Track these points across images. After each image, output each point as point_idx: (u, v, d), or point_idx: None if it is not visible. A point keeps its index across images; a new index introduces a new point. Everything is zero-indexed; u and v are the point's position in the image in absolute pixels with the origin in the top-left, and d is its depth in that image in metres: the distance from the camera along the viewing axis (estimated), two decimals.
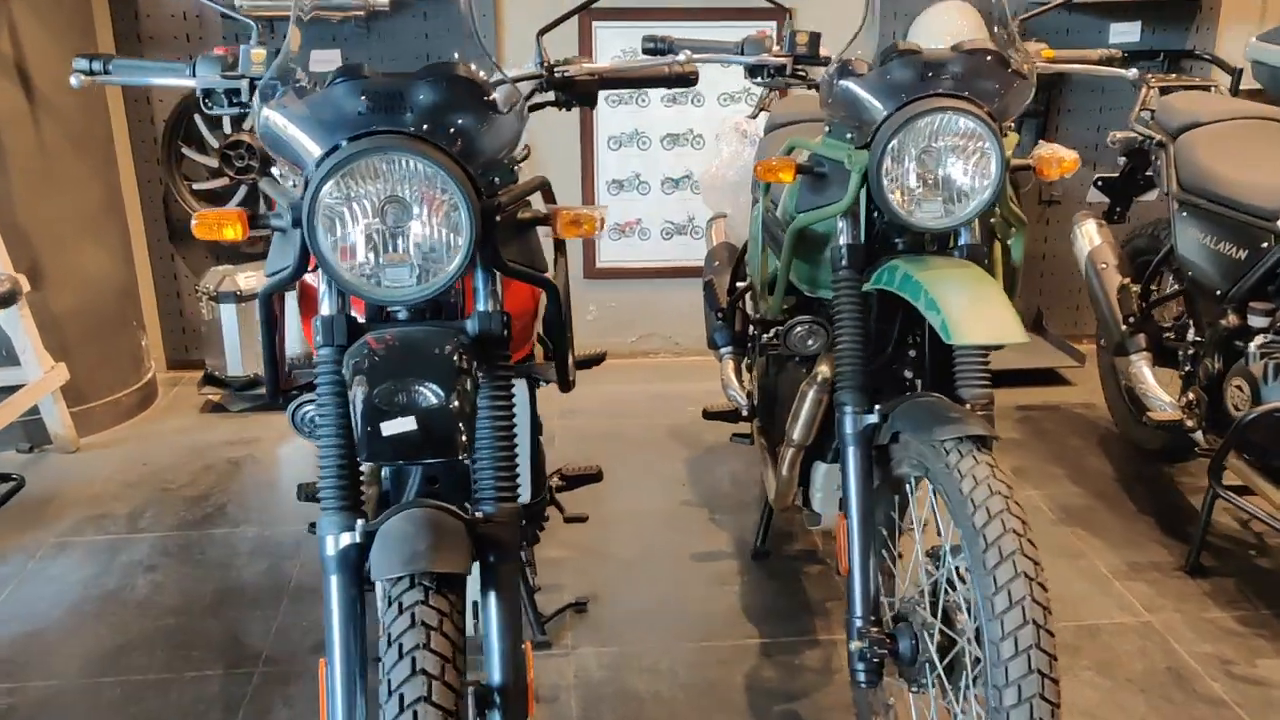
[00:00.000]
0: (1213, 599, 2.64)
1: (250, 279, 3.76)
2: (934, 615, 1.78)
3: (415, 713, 1.23)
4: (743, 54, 1.97)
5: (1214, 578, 2.73)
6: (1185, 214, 2.75)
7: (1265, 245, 2.50)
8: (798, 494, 2.36)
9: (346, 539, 1.48)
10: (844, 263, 1.90)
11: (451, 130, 1.36)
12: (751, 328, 2.76)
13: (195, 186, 3.96)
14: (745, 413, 2.71)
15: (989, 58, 1.75)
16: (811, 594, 2.71)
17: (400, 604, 1.29)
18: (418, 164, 1.33)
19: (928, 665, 1.78)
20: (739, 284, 2.94)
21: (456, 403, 1.31)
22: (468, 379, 1.37)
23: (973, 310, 1.66)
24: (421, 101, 1.35)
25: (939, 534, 1.81)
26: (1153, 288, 3.00)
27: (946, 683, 1.74)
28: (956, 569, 1.77)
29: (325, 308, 1.52)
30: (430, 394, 1.31)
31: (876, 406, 1.87)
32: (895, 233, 1.92)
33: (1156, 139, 2.85)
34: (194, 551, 2.93)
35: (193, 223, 1.47)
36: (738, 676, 2.39)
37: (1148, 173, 3.04)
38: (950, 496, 1.66)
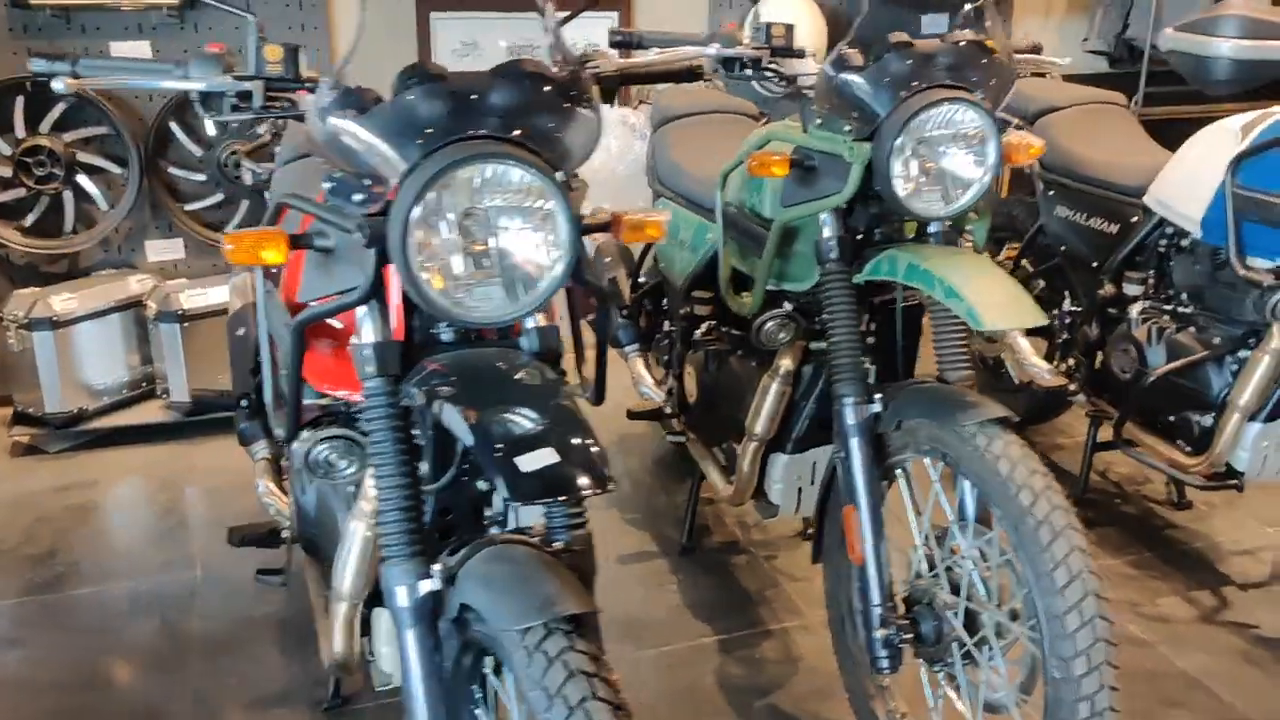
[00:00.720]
0: (1102, 548, 2.85)
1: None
2: (954, 594, 1.83)
3: None
4: (714, 47, 1.92)
5: (1097, 528, 2.95)
6: (1052, 193, 2.95)
7: (1134, 220, 2.71)
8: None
9: (426, 586, 1.34)
10: (834, 255, 1.91)
11: (545, 133, 1.25)
12: (669, 324, 2.72)
13: None
14: (667, 409, 2.67)
15: (980, 48, 1.79)
16: (748, 585, 2.72)
17: (545, 654, 1.18)
18: (522, 173, 1.20)
19: (955, 644, 1.82)
20: (640, 280, 2.90)
21: (585, 432, 1.21)
22: (574, 402, 1.27)
23: (994, 297, 1.70)
24: (511, 104, 1.23)
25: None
26: (1024, 263, 3.16)
27: (978, 656, 1.79)
28: (978, 548, 1.83)
29: (371, 334, 1.36)
30: (560, 422, 1.20)
31: (878, 396, 1.89)
32: (875, 224, 1.95)
33: (1015, 123, 3.03)
34: (60, 618, 2.58)
35: (225, 246, 1.27)
36: (708, 677, 2.36)
37: None
38: (984, 478, 1.69)
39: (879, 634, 1.86)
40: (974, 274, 1.75)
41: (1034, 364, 2.97)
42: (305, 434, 1.55)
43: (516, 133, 1.22)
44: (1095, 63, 4.45)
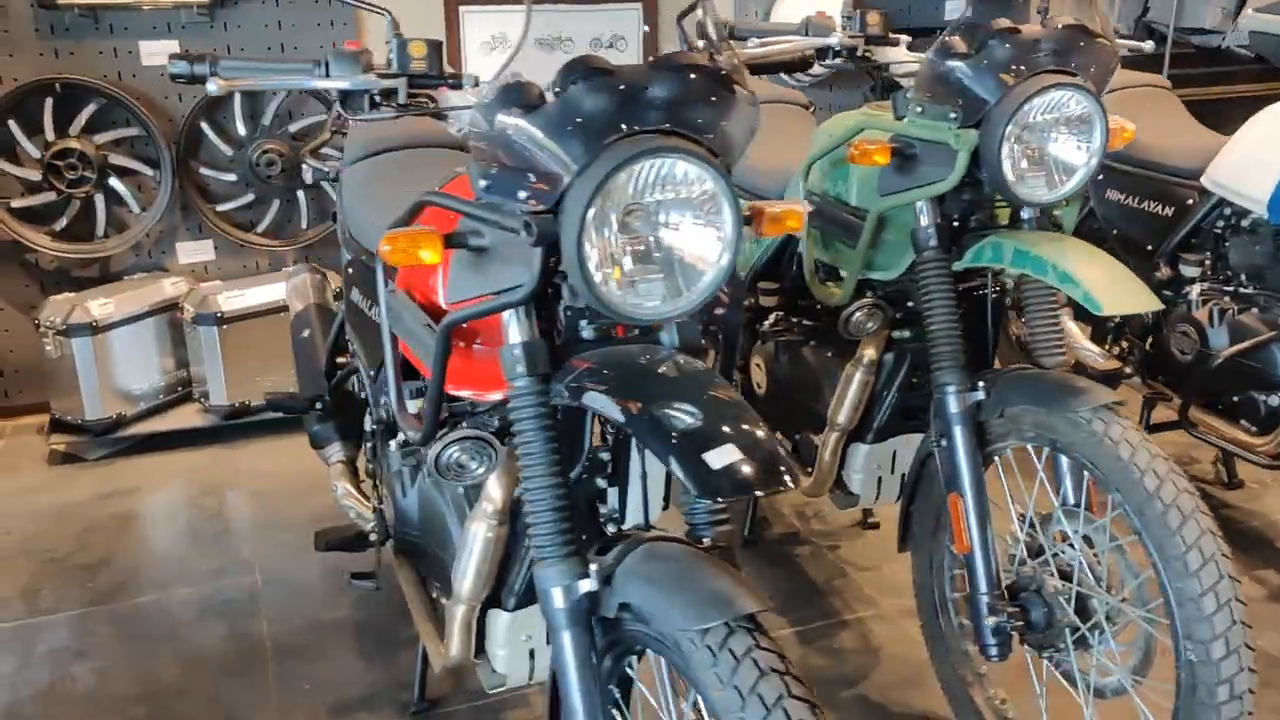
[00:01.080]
0: None
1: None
2: (1063, 579, 1.83)
3: None
4: (808, 34, 1.91)
5: None
6: (1102, 177, 2.95)
7: (1190, 202, 2.72)
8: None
9: (585, 586, 1.33)
10: (932, 243, 1.90)
11: (710, 125, 1.23)
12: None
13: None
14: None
15: (1083, 32, 1.79)
16: (816, 576, 2.71)
17: (732, 652, 1.16)
18: (692, 167, 1.19)
19: (1067, 629, 1.82)
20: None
21: (759, 426, 1.20)
22: (740, 396, 1.25)
23: (1110, 282, 1.70)
24: (677, 97, 1.21)
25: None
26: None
27: (1091, 640, 1.79)
28: (1083, 534, 1.83)
29: (521, 333, 1.34)
30: (735, 417, 1.19)
31: (980, 384, 1.89)
32: (970, 210, 1.94)
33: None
34: (127, 626, 2.54)
35: (383, 247, 1.25)
36: None
37: None
38: (1101, 464, 1.69)
39: (989, 622, 1.86)
40: (1085, 259, 1.75)
41: (1085, 347, 2.99)
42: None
43: (685, 127, 1.20)
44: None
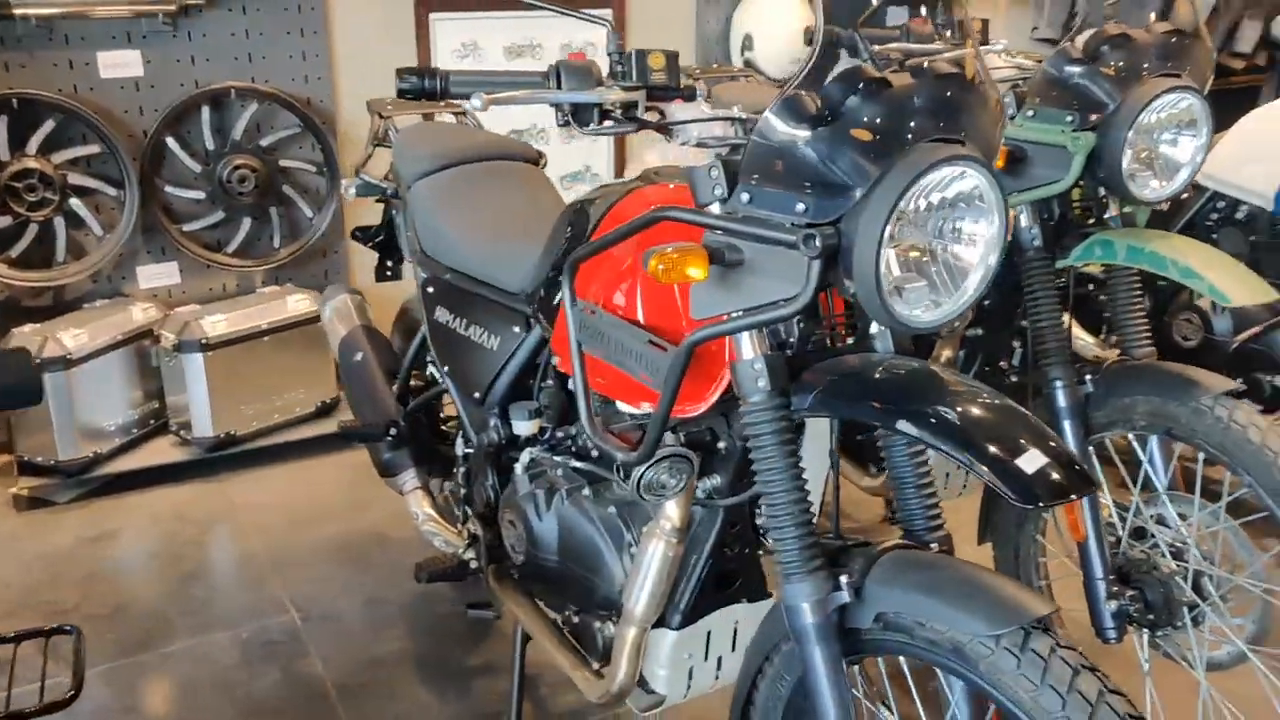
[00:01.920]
0: None
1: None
2: (1176, 560, 1.92)
3: None
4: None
5: None
6: None
7: (1185, 196, 2.88)
8: None
9: (838, 600, 1.32)
10: (1036, 243, 1.96)
11: (980, 133, 1.24)
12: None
13: None
14: (472, 564, 2.14)
15: (1187, 35, 1.88)
16: None
17: (1037, 653, 1.17)
18: (975, 173, 1.20)
19: (1185, 608, 1.91)
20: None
21: (1047, 431, 1.22)
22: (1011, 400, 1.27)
23: (1232, 276, 1.80)
24: (972, 108, 1.22)
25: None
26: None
27: (1211, 615, 1.89)
28: (1180, 515, 1.93)
29: (756, 349, 1.32)
30: (1022, 422, 1.21)
31: (1089, 377, 1.96)
32: (1066, 210, 2.01)
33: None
34: (170, 678, 2.38)
35: (656, 266, 1.21)
36: None
37: None
38: (1229, 449, 1.78)
39: (1109, 606, 1.93)
40: (1200, 255, 1.84)
41: (1080, 337, 3.13)
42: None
43: (957, 133, 1.21)
44: (1046, 51, 4.69)
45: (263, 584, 2.74)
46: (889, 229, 1.16)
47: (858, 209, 1.18)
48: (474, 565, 2.07)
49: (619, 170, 4.10)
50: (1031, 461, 1.16)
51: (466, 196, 2.12)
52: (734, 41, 4.07)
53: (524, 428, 1.87)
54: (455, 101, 2.28)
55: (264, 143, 3.44)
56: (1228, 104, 2.84)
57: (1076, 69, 1.84)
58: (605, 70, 1.35)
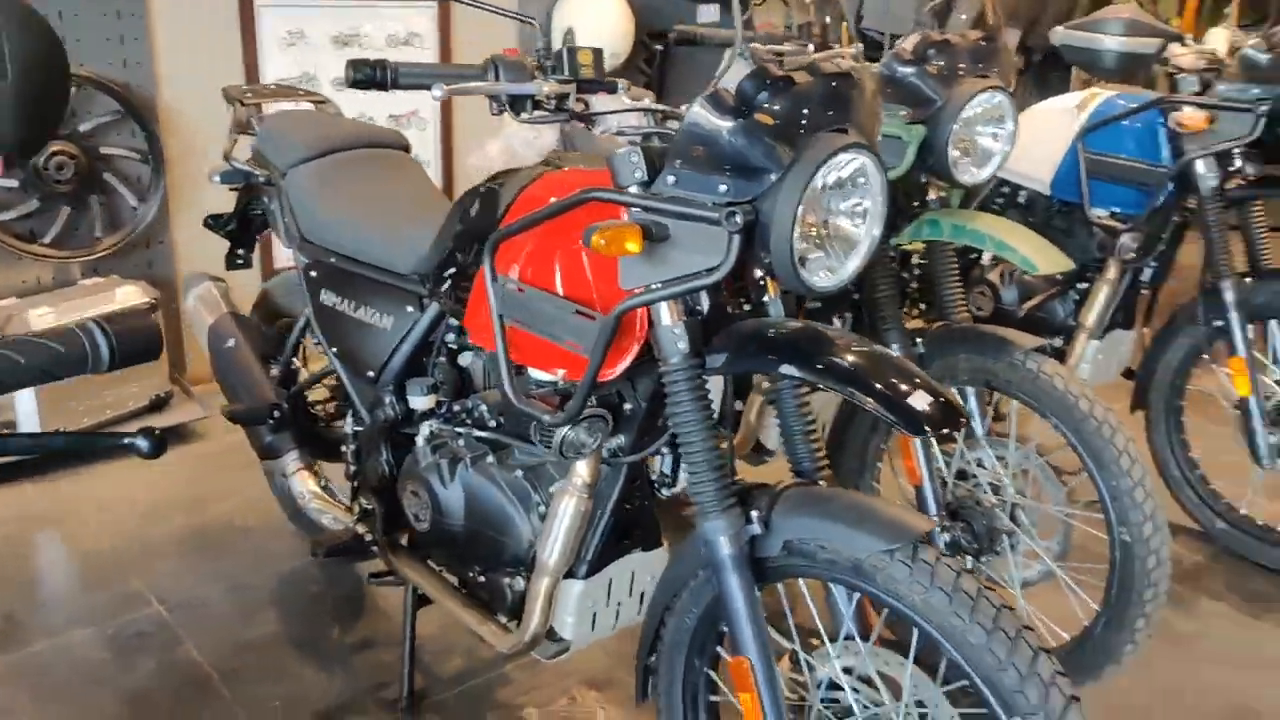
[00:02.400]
0: None
1: (46, 315, 2.89)
2: (995, 495, 2.23)
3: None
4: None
5: None
6: None
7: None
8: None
9: (749, 532, 1.51)
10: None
11: (867, 123, 1.45)
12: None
13: None
14: (367, 537, 2.17)
15: (995, 42, 2.17)
16: None
17: (926, 562, 1.40)
18: (865, 158, 1.41)
19: (1004, 535, 2.22)
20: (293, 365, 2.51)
21: (924, 375, 1.44)
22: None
23: (1036, 249, 2.11)
24: (858, 102, 1.42)
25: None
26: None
27: (1027, 541, 2.20)
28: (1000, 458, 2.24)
29: (675, 315, 1.49)
30: (905, 368, 1.43)
31: (919, 339, 2.24)
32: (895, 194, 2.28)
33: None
34: (37, 676, 2.33)
35: (598, 240, 1.35)
36: None
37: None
38: (1039, 396, 2.09)
39: (944, 539, 2.22)
40: (1011, 231, 2.15)
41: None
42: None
43: (851, 123, 1.42)
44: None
45: (118, 579, 2.69)
46: (801, 207, 1.35)
47: (773, 190, 1.36)
48: (369, 538, 2.14)
49: (446, 159, 4.17)
50: (920, 400, 1.39)
51: (346, 182, 2.18)
52: (555, 36, 4.21)
53: (421, 402, 1.97)
54: (314, 92, 2.35)
55: (82, 128, 3.32)
56: None
57: (908, 70, 2.11)
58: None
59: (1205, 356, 2.89)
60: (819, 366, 1.43)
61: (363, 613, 2.60)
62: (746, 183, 1.37)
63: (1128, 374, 3.10)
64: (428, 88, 1.34)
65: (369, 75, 1.34)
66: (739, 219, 1.35)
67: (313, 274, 2.20)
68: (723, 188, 1.38)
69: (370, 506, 2.14)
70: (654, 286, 1.45)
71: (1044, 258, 2.12)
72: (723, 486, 1.52)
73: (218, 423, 3.48)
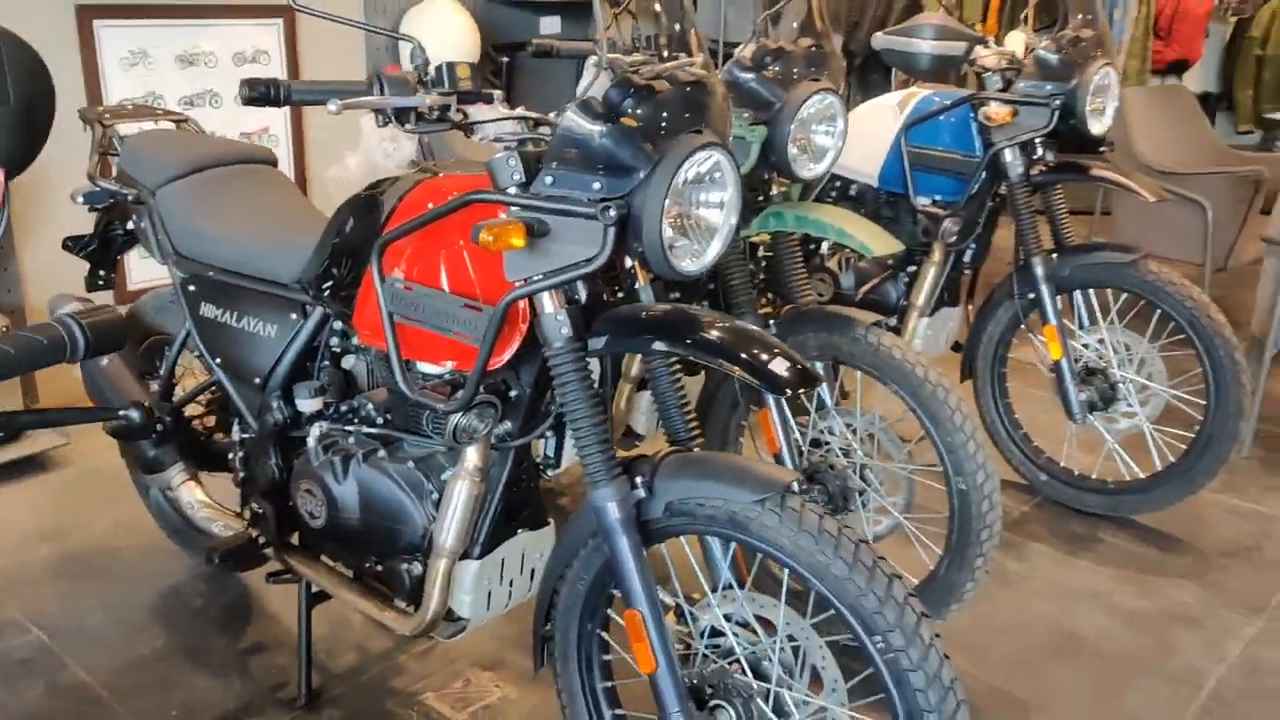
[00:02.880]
0: None
1: None
2: (845, 458, 2.46)
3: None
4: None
5: None
6: None
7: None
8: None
9: (635, 497, 1.67)
10: None
11: (722, 126, 1.62)
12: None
13: None
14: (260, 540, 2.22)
15: (824, 49, 2.39)
16: None
17: (793, 509, 1.58)
18: (720, 156, 1.58)
19: (856, 494, 2.44)
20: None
21: (781, 343, 1.63)
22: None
23: (871, 234, 2.34)
24: (711, 105, 1.58)
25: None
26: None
27: (876, 498, 2.43)
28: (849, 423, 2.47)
29: (557, 303, 1.64)
30: (764, 338, 1.61)
31: (771, 322, 2.45)
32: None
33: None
34: None
35: (485, 237, 1.49)
36: None
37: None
38: (880, 366, 2.32)
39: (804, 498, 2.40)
40: (848, 220, 2.37)
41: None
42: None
43: (707, 125, 1.59)
44: None
45: None
46: (667, 200, 1.52)
47: (642, 186, 1.52)
48: (262, 540, 2.21)
49: (299, 174, 4.19)
50: (779, 365, 1.57)
51: (219, 198, 2.24)
52: (403, 50, 4.29)
53: (309, 405, 2.06)
54: (174, 111, 2.41)
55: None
56: None
57: (748, 76, 2.31)
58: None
59: (1023, 327, 3.20)
60: (689, 341, 1.60)
61: (251, 619, 2.64)
62: (618, 180, 1.53)
63: (956, 347, 3.40)
64: (323, 103, 1.45)
65: (263, 93, 1.44)
66: (613, 213, 1.51)
67: (191, 288, 2.25)
68: (596, 185, 1.53)
69: (261, 510, 2.21)
70: (537, 278, 1.59)
71: (878, 242, 2.35)
72: (609, 457, 1.67)
73: (77, 450, 3.44)
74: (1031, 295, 3.05)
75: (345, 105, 1.45)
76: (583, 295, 1.68)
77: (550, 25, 4.86)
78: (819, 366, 2.51)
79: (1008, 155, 2.99)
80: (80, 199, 2.37)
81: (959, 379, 3.30)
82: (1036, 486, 3.27)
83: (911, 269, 3.31)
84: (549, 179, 1.55)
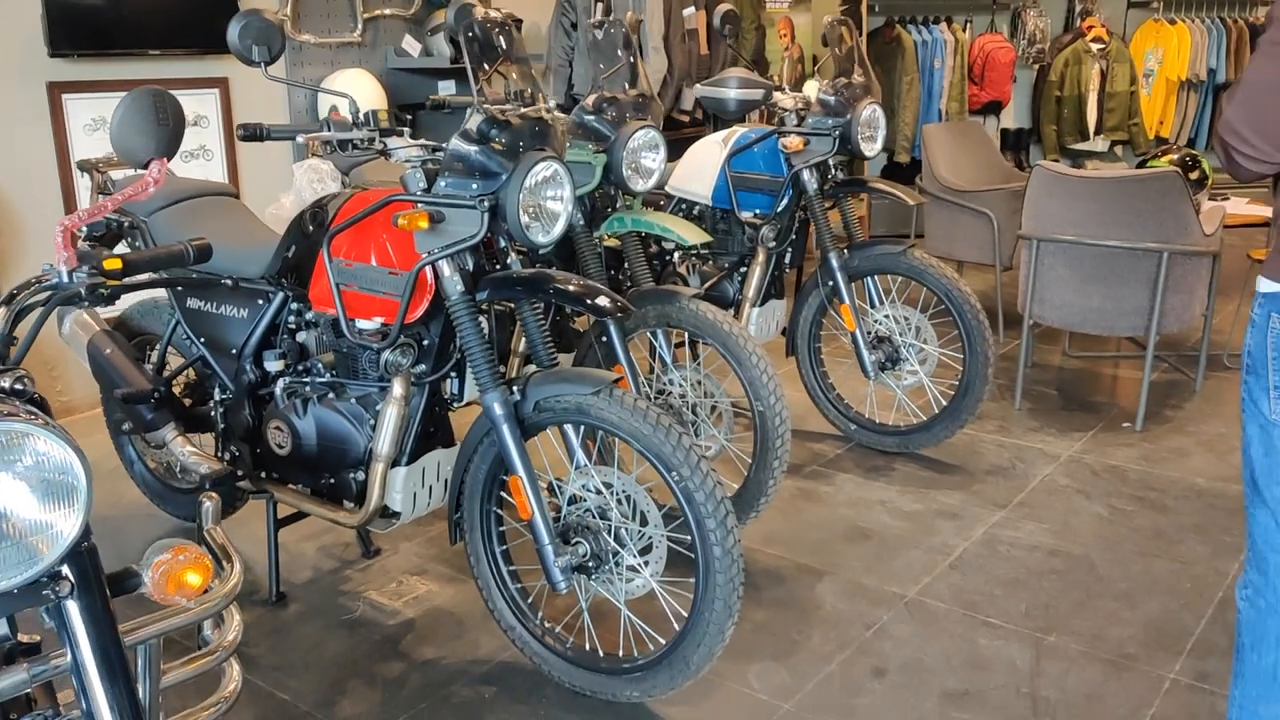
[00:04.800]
0: None
1: None
2: (682, 399, 3.28)
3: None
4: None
5: None
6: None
7: (661, 202, 4.36)
8: None
9: (513, 399, 2.45)
10: (581, 222, 3.25)
11: (555, 145, 2.44)
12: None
13: None
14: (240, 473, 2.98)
15: (648, 99, 3.25)
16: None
17: (620, 396, 2.38)
18: (558, 166, 2.39)
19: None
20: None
21: (603, 287, 2.45)
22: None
23: (687, 230, 3.19)
24: (551, 134, 2.41)
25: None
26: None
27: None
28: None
29: (455, 268, 2.43)
30: (596, 287, 2.42)
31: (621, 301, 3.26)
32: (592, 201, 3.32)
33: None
34: None
35: (401, 220, 2.28)
36: None
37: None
38: (702, 328, 3.15)
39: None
40: (669, 220, 3.22)
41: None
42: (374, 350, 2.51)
43: (548, 146, 2.41)
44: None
45: None
46: (521, 194, 2.33)
47: (504, 185, 2.33)
48: (240, 473, 2.93)
49: (233, 179, 4.90)
50: (603, 300, 2.38)
51: (196, 221, 2.99)
52: (321, 110, 5.07)
53: (275, 366, 2.81)
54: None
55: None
56: (682, 145, 4.36)
57: (591, 117, 3.15)
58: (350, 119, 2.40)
59: (831, 310, 4.08)
60: (543, 289, 2.40)
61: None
62: (489, 182, 2.34)
63: (784, 331, 4.27)
64: (293, 138, 2.24)
65: (252, 132, 2.22)
66: (487, 204, 2.32)
67: (179, 289, 2.99)
68: (475, 186, 2.34)
69: (239, 451, 2.94)
70: (438, 250, 2.39)
71: (691, 235, 3.21)
72: (495, 372, 2.46)
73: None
74: (831, 283, 3.92)
75: (309, 137, 2.24)
76: (470, 264, 2.48)
77: (447, 88, 5.69)
78: (659, 333, 3.34)
79: (805, 175, 3.88)
80: (84, 229, 3.09)
81: (785, 355, 4.16)
82: (848, 434, 4.14)
83: (743, 270, 4.18)
84: (443, 183, 2.36)
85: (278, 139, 2.26)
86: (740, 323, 4.01)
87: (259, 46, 2.27)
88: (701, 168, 4.16)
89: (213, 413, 3.03)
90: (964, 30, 7.80)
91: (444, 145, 2.42)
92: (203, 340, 2.98)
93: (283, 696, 2.65)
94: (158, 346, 3.16)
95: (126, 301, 3.94)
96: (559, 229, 2.46)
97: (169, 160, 1.79)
